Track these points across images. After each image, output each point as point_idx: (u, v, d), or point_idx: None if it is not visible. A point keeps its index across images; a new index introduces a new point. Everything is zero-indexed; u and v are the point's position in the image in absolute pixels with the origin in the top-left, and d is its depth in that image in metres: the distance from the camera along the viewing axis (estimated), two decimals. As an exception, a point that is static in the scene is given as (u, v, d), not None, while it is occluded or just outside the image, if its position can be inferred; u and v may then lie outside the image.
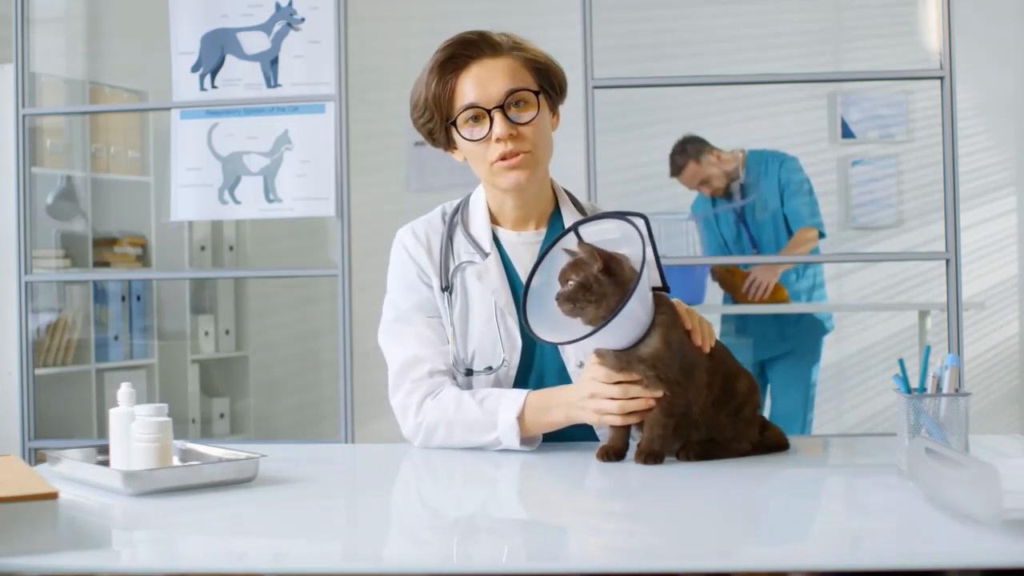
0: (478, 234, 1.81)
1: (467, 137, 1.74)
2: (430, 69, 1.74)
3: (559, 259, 1.55)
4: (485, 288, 1.78)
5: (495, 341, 1.76)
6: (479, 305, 1.78)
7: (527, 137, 1.73)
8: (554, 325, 1.54)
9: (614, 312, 1.45)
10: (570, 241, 1.57)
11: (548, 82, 1.77)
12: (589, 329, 1.49)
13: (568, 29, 3.39)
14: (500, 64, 1.72)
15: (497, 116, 1.71)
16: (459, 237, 1.82)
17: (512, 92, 1.71)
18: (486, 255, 1.79)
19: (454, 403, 1.72)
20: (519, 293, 1.73)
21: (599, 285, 1.48)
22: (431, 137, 1.80)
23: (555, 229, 1.81)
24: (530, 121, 1.73)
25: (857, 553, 1.11)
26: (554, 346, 1.75)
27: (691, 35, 5.11)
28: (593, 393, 1.58)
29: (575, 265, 1.51)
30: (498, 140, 1.72)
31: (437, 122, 1.76)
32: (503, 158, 1.72)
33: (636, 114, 5.02)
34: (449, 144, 1.80)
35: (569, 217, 1.82)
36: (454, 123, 1.75)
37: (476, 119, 1.73)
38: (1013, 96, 5.31)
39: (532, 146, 1.74)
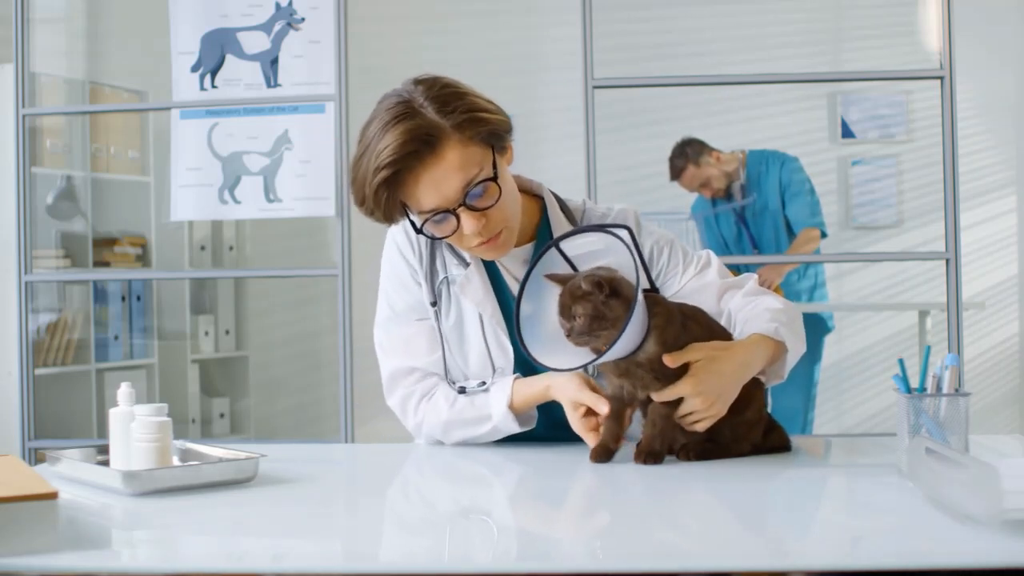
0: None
1: (435, 235, 1.65)
2: (375, 187, 1.57)
3: (547, 277, 1.54)
4: (469, 301, 1.74)
5: (485, 355, 1.74)
6: (469, 318, 1.75)
7: (497, 217, 1.62)
8: (553, 347, 1.53)
9: (616, 336, 1.44)
10: (554, 259, 1.55)
11: (496, 136, 1.61)
12: (595, 353, 1.49)
13: (568, 29, 3.39)
14: (447, 160, 1.56)
15: (463, 215, 1.59)
16: (442, 247, 1.77)
17: (469, 185, 1.58)
18: (467, 265, 1.74)
19: (447, 404, 1.73)
20: (509, 303, 1.72)
21: (611, 311, 1.47)
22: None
23: (543, 238, 1.76)
24: (495, 203, 1.61)
25: (857, 553, 1.11)
26: None
27: (691, 35, 5.11)
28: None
29: (576, 297, 1.48)
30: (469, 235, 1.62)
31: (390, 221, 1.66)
32: (480, 244, 1.65)
33: (636, 114, 5.02)
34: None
35: (557, 227, 1.76)
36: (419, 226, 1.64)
37: (440, 218, 1.61)
38: (1013, 96, 5.31)
39: (504, 221, 1.64)
